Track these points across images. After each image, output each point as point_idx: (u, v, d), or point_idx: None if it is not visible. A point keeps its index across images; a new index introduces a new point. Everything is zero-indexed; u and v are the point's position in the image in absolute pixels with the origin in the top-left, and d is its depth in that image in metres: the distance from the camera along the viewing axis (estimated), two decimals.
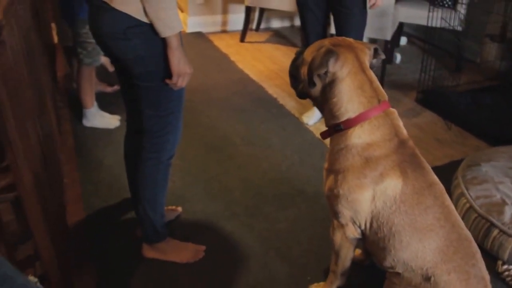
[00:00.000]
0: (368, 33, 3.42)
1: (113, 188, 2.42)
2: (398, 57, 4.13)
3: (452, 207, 1.55)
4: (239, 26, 4.55)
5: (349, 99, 1.53)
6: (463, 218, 2.16)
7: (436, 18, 3.38)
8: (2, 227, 1.66)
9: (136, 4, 1.48)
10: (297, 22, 4.77)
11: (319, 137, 1.64)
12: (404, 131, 1.58)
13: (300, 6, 2.91)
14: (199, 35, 4.56)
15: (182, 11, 4.71)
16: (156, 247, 1.98)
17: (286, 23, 5.00)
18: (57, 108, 2.89)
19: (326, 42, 1.59)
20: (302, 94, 1.66)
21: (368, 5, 2.71)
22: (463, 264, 1.48)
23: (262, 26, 4.84)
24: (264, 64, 3.99)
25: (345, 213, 1.58)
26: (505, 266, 2.01)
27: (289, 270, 1.99)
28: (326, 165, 1.64)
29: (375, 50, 1.64)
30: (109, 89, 3.35)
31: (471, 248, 1.52)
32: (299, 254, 2.07)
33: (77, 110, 3.00)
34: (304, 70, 1.60)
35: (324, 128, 1.65)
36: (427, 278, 1.49)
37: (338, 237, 1.66)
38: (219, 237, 2.15)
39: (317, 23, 2.90)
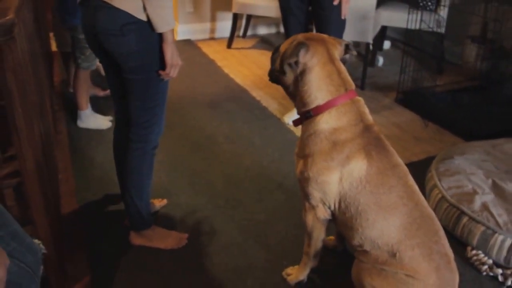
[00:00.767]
0: (349, 36, 3.52)
1: (104, 183, 2.52)
2: (381, 60, 4.24)
3: (416, 187, 1.63)
4: (227, 33, 4.66)
5: (318, 87, 1.63)
6: (435, 209, 2.25)
7: (416, 21, 3.48)
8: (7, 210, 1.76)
9: (134, 1, 1.61)
10: (283, 28, 4.88)
11: (299, 134, 1.75)
12: (370, 117, 1.67)
13: (284, 10, 3.02)
14: (188, 42, 4.67)
15: None
16: (142, 234, 2.09)
17: (273, 30, 5.12)
18: (53, 110, 3.01)
19: (299, 36, 1.70)
20: (276, 81, 1.77)
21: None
22: (426, 240, 1.55)
23: (249, 32, 4.96)
24: (250, 69, 4.11)
25: (315, 194, 1.66)
26: (474, 251, 2.09)
27: (266, 256, 2.07)
28: (296, 150, 1.74)
29: (346, 46, 1.74)
30: (101, 93, 3.46)
31: (434, 226, 1.59)
32: (276, 241, 2.16)
33: (71, 113, 3.14)
34: (278, 61, 1.70)
35: None
36: (393, 254, 1.56)
37: (310, 218, 1.74)
38: (201, 226, 2.24)
39: (300, 27, 3.01)
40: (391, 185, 1.58)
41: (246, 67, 4.15)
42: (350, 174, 1.59)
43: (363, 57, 3.93)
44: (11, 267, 1.07)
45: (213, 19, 4.84)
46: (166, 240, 2.10)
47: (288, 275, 1.95)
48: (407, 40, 3.68)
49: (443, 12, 3.75)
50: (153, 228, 2.11)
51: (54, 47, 3.51)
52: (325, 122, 1.62)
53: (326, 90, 1.63)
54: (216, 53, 4.45)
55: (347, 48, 1.74)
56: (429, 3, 3.73)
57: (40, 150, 1.77)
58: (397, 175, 1.61)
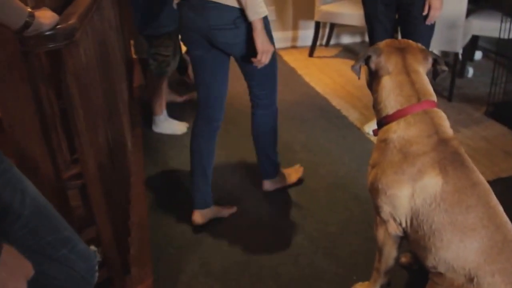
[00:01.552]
0: (437, 45, 3.37)
1: (175, 187, 2.59)
2: (471, 71, 4.01)
3: (499, 208, 1.52)
4: (309, 42, 4.64)
5: (387, 96, 1.62)
6: None
7: (509, 30, 3.25)
8: (71, 210, 1.85)
9: None
10: (368, 36, 4.77)
11: None
12: (448, 130, 1.58)
13: (370, 18, 2.93)
14: None
15: None
16: (274, 180, 2.50)
17: (357, 39, 5.03)
18: (131, 115, 3.14)
19: (382, 42, 1.70)
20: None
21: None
22: (509, 266, 1.44)
23: (332, 41, 4.90)
24: (331, 77, 4.05)
25: (385, 208, 1.60)
26: None
27: (335, 269, 2.02)
28: (370, 160, 1.69)
29: (435, 60, 1.67)
30: (179, 99, 3.56)
31: None
32: (347, 255, 2.10)
33: (148, 118, 3.24)
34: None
35: None
36: (470, 279, 1.46)
37: (381, 233, 1.68)
38: (270, 235, 2.25)
39: (386, 35, 2.91)
40: (469, 204, 1.48)
41: (328, 76, 4.09)
42: (423, 190, 1.51)
43: (451, 67, 3.73)
44: (58, 273, 1.12)
45: (295, 27, 4.84)
46: (290, 176, 2.56)
47: None
48: (499, 50, 3.45)
49: None
50: (279, 174, 2.51)
51: (134, 54, 3.67)
52: (394, 132, 1.58)
53: (395, 100, 1.60)
54: (297, 61, 4.45)
55: (435, 62, 1.68)
56: None
57: (105, 154, 1.82)
58: (477, 194, 1.50)
